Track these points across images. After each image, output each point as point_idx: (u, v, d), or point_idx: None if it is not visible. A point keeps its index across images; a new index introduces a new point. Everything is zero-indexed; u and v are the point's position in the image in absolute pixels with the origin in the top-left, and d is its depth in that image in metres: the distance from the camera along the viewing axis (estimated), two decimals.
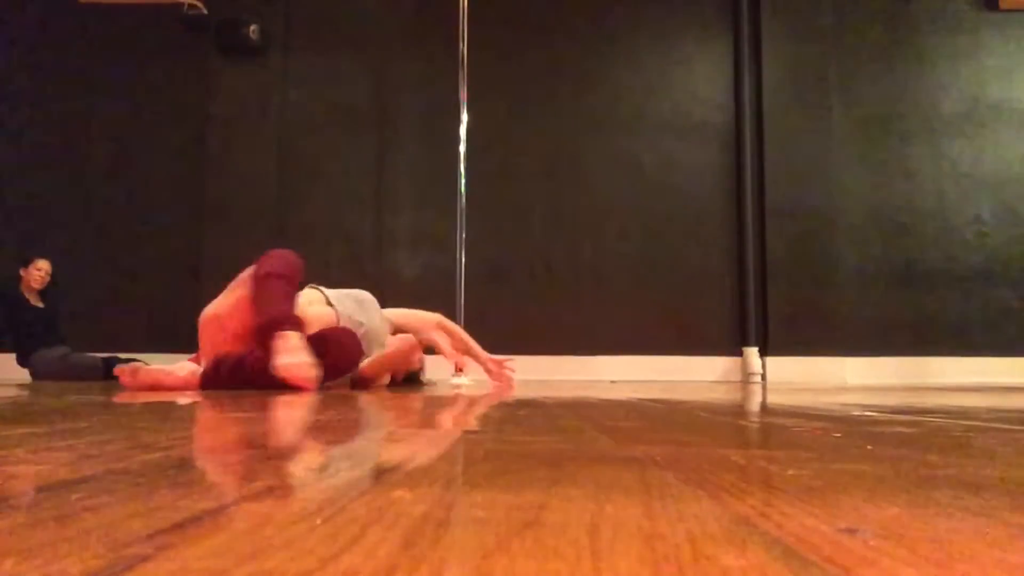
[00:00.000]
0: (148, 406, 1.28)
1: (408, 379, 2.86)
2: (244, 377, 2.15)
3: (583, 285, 4.45)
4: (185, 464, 0.53)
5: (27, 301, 4.03)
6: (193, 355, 2.57)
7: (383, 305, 2.85)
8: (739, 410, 1.28)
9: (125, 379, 2.11)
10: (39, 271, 4.06)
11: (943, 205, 4.48)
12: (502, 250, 4.46)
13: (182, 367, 2.24)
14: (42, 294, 4.10)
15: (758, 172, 4.45)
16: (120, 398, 1.57)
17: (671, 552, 0.29)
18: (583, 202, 4.50)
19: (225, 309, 2.30)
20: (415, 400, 1.59)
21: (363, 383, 2.47)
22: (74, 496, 0.40)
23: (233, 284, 2.38)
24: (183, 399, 1.54)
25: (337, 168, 4.55)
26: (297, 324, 2.16)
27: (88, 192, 4.62)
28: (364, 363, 2.47)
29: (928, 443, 0.71)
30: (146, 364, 2.10)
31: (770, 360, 4.30)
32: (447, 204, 4.25)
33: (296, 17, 4.63)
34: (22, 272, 4.06)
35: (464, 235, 3.83)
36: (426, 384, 2.86)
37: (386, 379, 2.62)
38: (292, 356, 2.06)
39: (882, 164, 4.51)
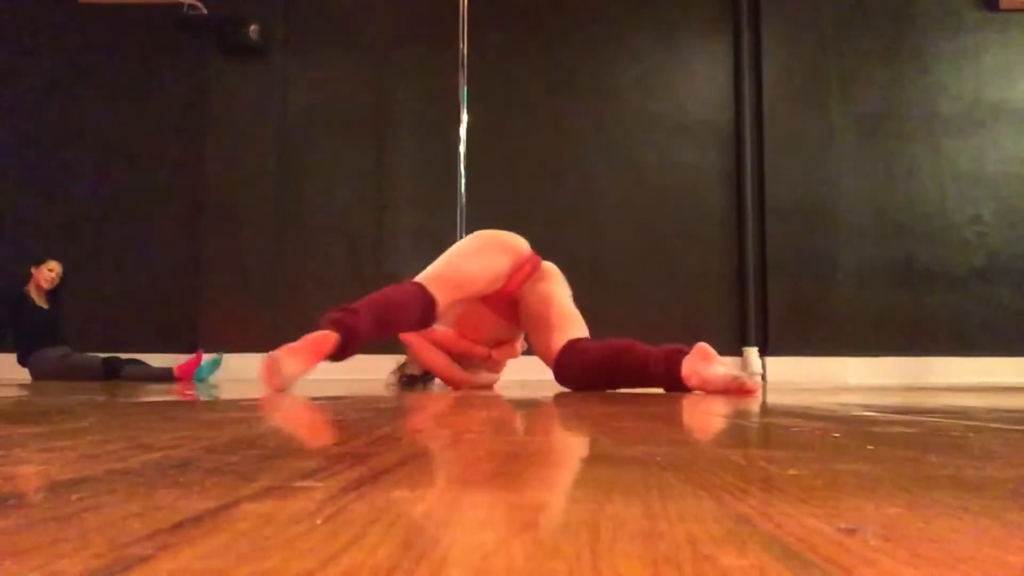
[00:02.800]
0: (148, 406, 1.28)
1: (412, 381, 2.75)
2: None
3: (582, 284, 4.41)
4: (185, 464, 0.53)
5: (33, 301, 4.03)
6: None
7: None
8: (739, 410, 1.28)
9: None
10: (51, 271, 4.06)
11: (943, 205, 4.47)
12: None
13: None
14: (49, 295, 4.10)
15: (758, 172, 4.45)
16: (119, 398, 1.57)
17: (671, 552, 0.29)
18: (583, 202, 4.50)
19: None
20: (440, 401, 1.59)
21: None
22: (74, 496, 0.40)
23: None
24: (183, 399, 1.54)
25: (337, 168, 4.55)
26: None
27: (88, 191, 4.62)
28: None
29: (928, 443, 0.71)
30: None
31: (770, 360, 4.30)
32: (447, 204, 4.25)
33: (296, 17, 4.64)
34: (33, 271, 4.05)
35: (464, 235, 3.83)
36: (427, 387, 2.68)
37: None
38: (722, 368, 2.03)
39: (882, 164, 4.51)
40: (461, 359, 2.49)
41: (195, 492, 0.41)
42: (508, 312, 2.45)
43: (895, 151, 4.51)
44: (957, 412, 1.23)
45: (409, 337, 2.47)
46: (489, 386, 2.59)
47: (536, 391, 2.19)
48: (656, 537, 0.31)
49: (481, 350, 2.48)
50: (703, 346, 2.07)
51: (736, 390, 1.97)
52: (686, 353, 2.07)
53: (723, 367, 2.03)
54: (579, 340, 2.25)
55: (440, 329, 2.45)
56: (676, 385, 2.04)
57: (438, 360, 2.46)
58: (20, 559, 0.27)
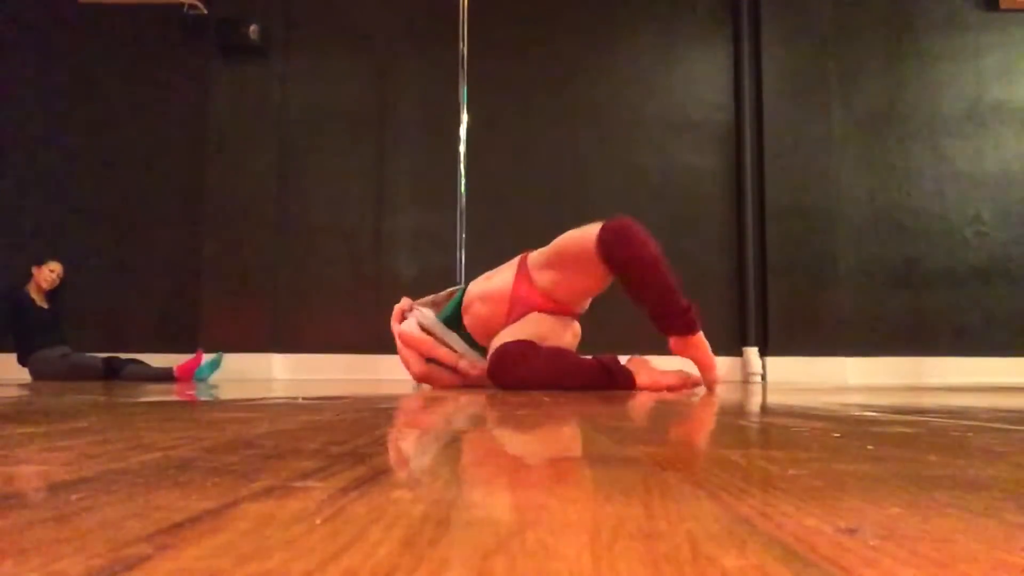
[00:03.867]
0: (148, 406, 1.28)
1: None
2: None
3: None
4: (185, 464, 0.53)
5: (33, 301, 4.04)
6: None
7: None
8: (739, 410, 1.28)
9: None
10: (52, 272, 4.07)
11: (943, 205, 4.48)
12: (502, 250, 4.46)
13: None
14: (49, 295, 4.11)
15: (758, 172, 4.45)
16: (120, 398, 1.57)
17: (671, 552, 0.29)
18: (583, 202, 4.50)
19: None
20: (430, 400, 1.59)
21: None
22: (74, 496, 0.40)
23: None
24: (182, 398, 1.54)
25: (337, 168, 4.56)
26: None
27: (87, 192, 4.62)
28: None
29: (928, 443, 0.71)
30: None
31: (770, 360, 4.30)
32: (447, 204, 4.25)
33: (296, 17, 4.64)
34: (34, 270, 4.06)
35: (464, 235, 3.83)
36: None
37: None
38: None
39: (882, 164, 4.51)
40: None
41: (195, 492, 0.41)
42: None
43: (895, 151, 4.52)
44: (957, 412, 1.23)
45: (396, 328, 2.64)
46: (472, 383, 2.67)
47: (534, 392, 2.19)
48: (656, 537, 0.31)
49: (451, 357, 2.58)
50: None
51: (683, 384, 2.26)
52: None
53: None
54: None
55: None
56: (623, 374, 2.28)
57: (410, 357, 2.58)
58: (20, 559, 0.27)
